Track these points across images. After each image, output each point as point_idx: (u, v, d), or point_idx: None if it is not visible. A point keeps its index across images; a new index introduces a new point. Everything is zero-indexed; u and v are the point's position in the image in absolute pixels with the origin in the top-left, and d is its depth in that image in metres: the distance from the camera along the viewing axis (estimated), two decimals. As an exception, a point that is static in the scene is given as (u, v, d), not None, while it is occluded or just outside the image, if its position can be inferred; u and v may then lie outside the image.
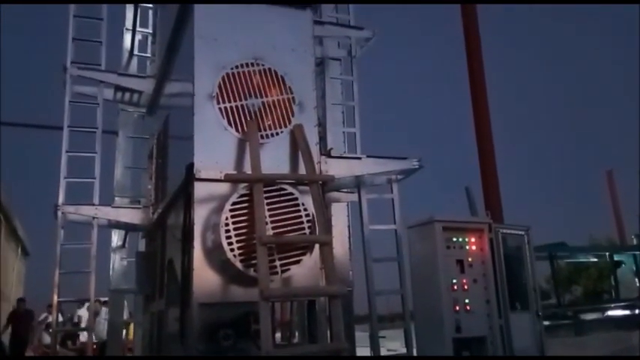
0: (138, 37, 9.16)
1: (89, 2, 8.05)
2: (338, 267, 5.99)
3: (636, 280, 22.28)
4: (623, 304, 20.45)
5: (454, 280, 7.12)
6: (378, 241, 7.10)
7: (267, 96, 5.27)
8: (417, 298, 7.29)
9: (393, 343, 11.23)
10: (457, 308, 7.02)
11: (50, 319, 14.67)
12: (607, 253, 24.67)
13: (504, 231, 7.77)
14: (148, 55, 9.15)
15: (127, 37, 9.09)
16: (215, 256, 4.75)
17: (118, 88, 7.66)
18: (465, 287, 7.16)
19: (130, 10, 9.11)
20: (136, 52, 9.13)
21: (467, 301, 7.10)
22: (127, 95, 7.81)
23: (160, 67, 7.12)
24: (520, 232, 8.04)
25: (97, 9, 7.77)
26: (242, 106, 5.15)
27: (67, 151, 7.13)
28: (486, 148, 12.57)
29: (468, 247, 7.39)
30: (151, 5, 9.04)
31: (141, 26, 9.18)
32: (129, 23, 9.13)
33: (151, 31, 9.18)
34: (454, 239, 7.31)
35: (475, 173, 12.51)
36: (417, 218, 7.62)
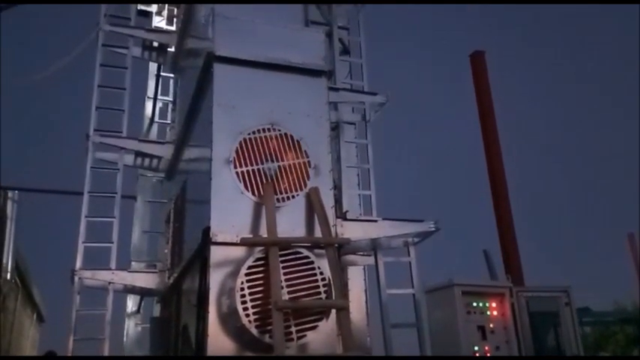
0: (159, 104, 9.51)
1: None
2: (355, 333, 5.85)
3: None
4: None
5: (476, 348, 6.88)
6: (396, 306, 6.94)
7: (283, 160, 5.35)
8: (437, 366, 7.03)
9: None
10: (480, 377, 6.75)
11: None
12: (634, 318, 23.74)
13: (528, 294, 7.51)
14: (168, 121, 9.44)
15: (149, 105, 9.45)
16: (230, 321, 4.68)
17: (138, 153, 7.84)
18: (488, 355, 6.90)
19: (151, 79, 9.52)
20: (156, 119, 9.45)
21: (490, 369, 6.83)
22: (147, 161, 7.98)
23: (179, 133, 7.31)
24: (553, 294, 7.64)
25: (121, 78, 8.06)
26: (258, 170, 5.23)
27: (86, 216, 7.21)
28: (503, 211, 12.45)
29: (489, 313, 7.18)
30: (172, 75, 9.41)
31: (162, 94, 9.55)
32: (150, 92, 9.50)
33: (171, 99, 9.53)
34: (474, 304, 7.13)
35: (493, 236, 12.33)
36: (435, 282, 7.47)
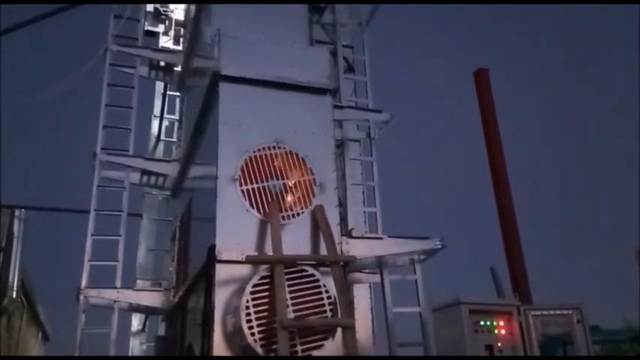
0: (165, 123, 9.58)
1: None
2: (361, 352, 5.79)
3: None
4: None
5: (484, 367, 6.80)
6: (402, 325, 6.87)
7: (288, 178, 5.36)
8: (445, 386, 6.94)
9: None
10: (488, 397, 6.65)
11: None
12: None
13: (537, 312, 7.41)
14: (174, 140, 9.49)
15: (155, 124, 9.52)
16: (235, 340, 4.64)
17: (144, 172, 7.88)
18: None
19: (158, 98, 9.61)
20: (162, 137, 9.51)
21: (498, 389, 6.73)
22: (153, 179, 8.01)
23: (185, 151, 7.35)
24: (564, 312, 7.52)
25: (127, 97, 8.13)
26: (264, 187, 5.24)
27: (92, 235, 7.22)
28: (510, 227, 12.40)
29: (496, 331, 7.09)
30: (178, 94, 9.50)
31: (168, 113, 9.63)
32: (157, 110, 9.59)
33: (177, 118, 9.60)
34: (482, 323, 7.06)
35: (500, 251, 12.28)
36: (442, 299, 7.40)
